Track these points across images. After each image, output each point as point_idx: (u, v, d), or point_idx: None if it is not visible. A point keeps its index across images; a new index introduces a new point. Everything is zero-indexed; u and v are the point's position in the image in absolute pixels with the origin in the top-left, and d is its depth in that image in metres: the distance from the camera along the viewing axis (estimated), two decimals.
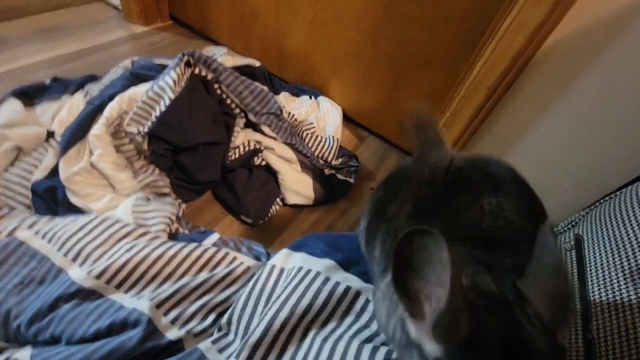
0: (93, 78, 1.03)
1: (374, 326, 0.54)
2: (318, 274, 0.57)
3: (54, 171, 0.76)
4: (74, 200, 0.73)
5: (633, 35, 0.67)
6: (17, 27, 1.24)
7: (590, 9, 0.69)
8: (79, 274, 0.58)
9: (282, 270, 0.62)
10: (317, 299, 0.54)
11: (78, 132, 0.78)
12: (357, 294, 0.56)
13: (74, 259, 0.61)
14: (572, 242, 0.79)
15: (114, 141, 0.82)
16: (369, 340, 0.52)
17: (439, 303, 0.27)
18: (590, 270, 0.68)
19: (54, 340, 0.54)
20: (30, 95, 0.90)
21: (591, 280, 0.66)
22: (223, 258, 0.66)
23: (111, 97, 0.83)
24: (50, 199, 0.73)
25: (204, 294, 0.60)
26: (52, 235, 0.63)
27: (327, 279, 0.57)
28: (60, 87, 0.96)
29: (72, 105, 0.90)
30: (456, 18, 0.92)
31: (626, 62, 0.70)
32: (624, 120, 0.76)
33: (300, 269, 0.59)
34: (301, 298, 0.54)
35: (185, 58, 0.88)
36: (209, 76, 0.92)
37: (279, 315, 0.51)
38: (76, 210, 0.73)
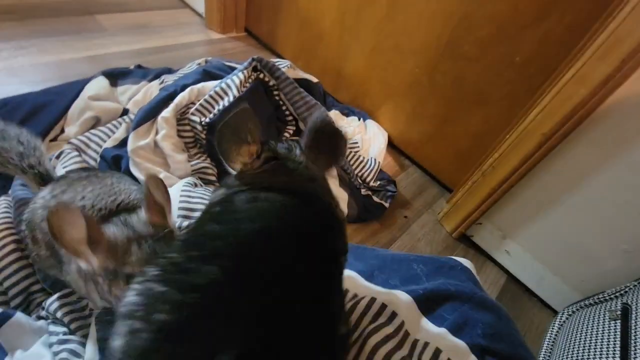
0: (170, 70, 1.14)
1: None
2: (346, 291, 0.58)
3: (123, 143, 0.85)
4: (134, 171, 0.80)
5: None
6: (115, 19, 1.42)
7: None
8: None
9: None
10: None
11: (151, 112, 0.86)
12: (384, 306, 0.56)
13: None
14: (619, 312, 0.73)
15: (178, 127, 0.90)
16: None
17: None
18: (636, 341, 0.62)
19: None
20: (116, 75, 1.02)
21: (635, 353, 0.61)
22: None
23: (183, 87, 0.92)
24: (115, 166, 0.81)
25: None
26: None
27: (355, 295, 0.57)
28: (141, 73, 1.08)
29: (148, 90, 1.01)
30: (517, 63, 0.93)
31: None
32: None
33: None
34: None
35: (254, 63, 0.96)
36: (271, 82, 1.00)
37: None
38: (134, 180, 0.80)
